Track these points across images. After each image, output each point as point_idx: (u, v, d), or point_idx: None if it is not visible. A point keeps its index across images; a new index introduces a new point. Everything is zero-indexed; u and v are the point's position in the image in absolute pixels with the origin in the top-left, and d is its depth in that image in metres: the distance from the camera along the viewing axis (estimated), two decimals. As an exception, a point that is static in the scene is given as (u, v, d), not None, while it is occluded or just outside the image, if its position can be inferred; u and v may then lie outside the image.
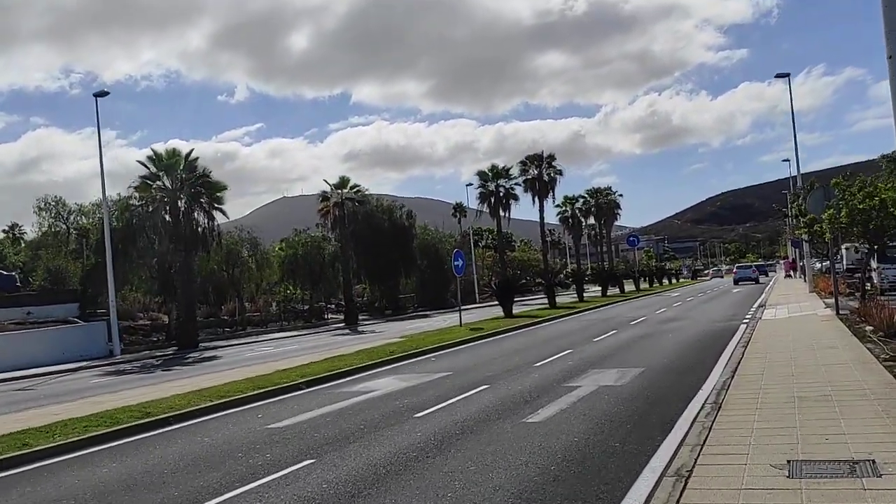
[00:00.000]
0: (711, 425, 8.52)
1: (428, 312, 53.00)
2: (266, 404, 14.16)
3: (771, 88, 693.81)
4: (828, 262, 39.73)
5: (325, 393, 15.10)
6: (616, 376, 14.06)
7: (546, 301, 45.58)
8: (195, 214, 33.54)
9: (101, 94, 32.52)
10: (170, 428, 12.31)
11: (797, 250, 61.05)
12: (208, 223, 33.89)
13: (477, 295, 63.94)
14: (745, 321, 24.37)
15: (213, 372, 21.26)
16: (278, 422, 11.98)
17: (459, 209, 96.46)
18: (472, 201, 69.77)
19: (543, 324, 31.53)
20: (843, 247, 40.01)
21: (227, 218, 36.27)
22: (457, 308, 33.53)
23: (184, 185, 33.28)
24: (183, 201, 33.35)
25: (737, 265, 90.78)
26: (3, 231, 68.58)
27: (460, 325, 31.15)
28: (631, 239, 78.46)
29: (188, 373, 22.27)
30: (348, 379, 17.08)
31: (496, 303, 41.39)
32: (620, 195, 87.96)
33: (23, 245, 52.16)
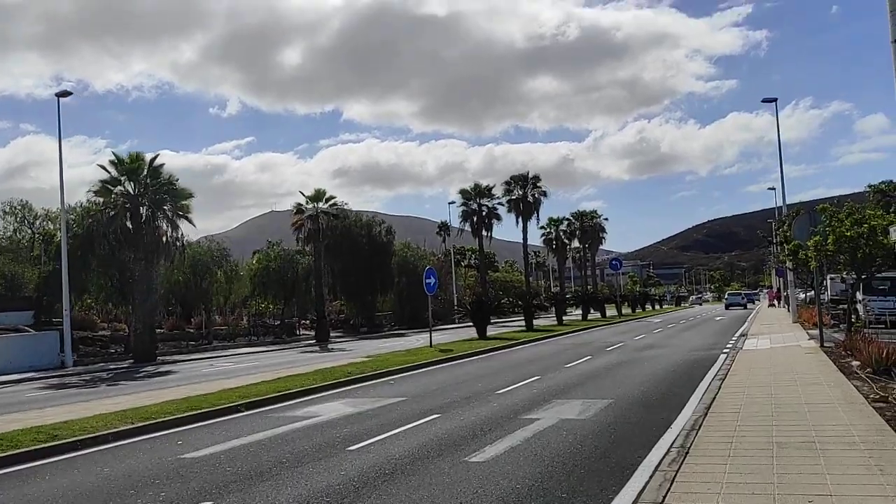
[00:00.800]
0: (674, 476, 7.26)
1: (404, 331, 51.68)
2: (193, 429, 12.81)
3: (758, 119, 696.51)
4: (812, 292, 38.74)
5: (262, 417, 13.76)
6: (580, 408, 12.81)
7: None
8: (158, 222, 32.05)
9: (64, 94, 31.31)
10: (74, 454, 10.94)
11: (781, 279, 60.22)
12: (171, 232, 32.41)
13: (456, 315, 62.60)
14: (725, 351, 23.21)
15: (158, 388, 19.90)
16: (196, 451, 10.64)
17: (444, 228, 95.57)
18: (455, 220, 68.87)
19: (516, 347, 30.26)
20: (827, 276, 39.05)
21: (194, 227, 34.82)
22: (435, 327, 32.30)
23: (147, 191, 31.82)
24: (145, 208, 31.87)
25: (728, 293, 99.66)
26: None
27: (430, 345, 29.85)
28: (613, 263, 77.46)
29: (133, 388, 20.83)
30: (294, 402, 15.74)
31: (473, 323, 40.02)
32: (606, 219, 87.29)
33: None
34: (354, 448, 10.25)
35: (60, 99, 31.24)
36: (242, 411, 14.60)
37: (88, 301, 42.26)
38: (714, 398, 12.49)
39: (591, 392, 15.00)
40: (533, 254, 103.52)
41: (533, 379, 17.76)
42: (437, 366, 23.20)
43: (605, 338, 33.33)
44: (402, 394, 16.20)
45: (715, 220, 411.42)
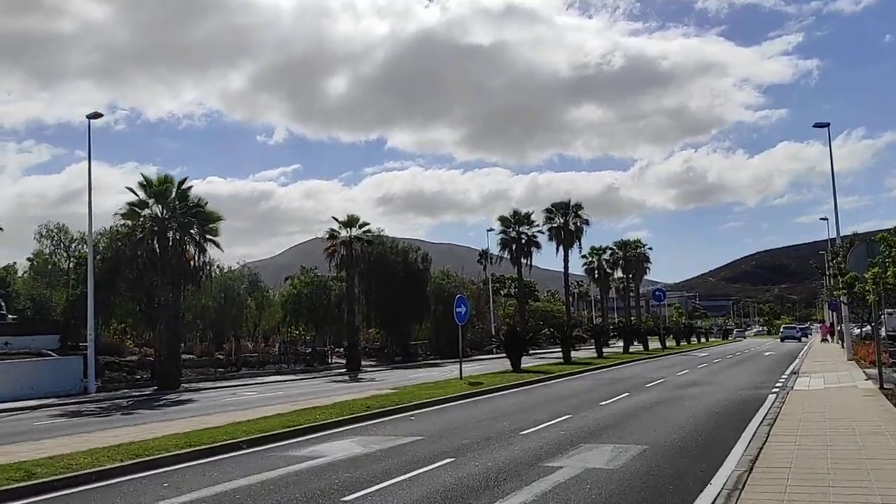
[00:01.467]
0: (711, 556, 5.98)
1: (439, 361, 50.45)
2: (185, 468, 11.81)
3: (809, 149, 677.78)
4: (868, 327, 36.65)
5: (263, 456, 12.71)
6: (610, 456, 11.51)
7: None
8: (186, 246, 31.49)
9: (95, 115, 31.21)
10: (47, 496, 10.03)
11: (835, 313, 57.75)
12: (199, 256, 31.81)
13: (492, 346, 61.26)
14: (774, 390, 21.59)
15: (170, 419, 19.04)
16: (178, 496, 9.65)
17: (485, 256, 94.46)
18: (495, 248, 67.77)
19: (551, 381, 28.85)
20: (885, 311, 36.98)
21: (222, 251, 34.26)
22: (471, 357, 31.02)
23: (175, 213, 31.32)
24: (173, 231, 31.36)
25: (783, 326, 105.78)
26: (28, 259, 67.72)
27: (460, 378, 28.62)
28: (657, 293, 75.29)
29: (144, 419, 20.04)
30: (302, 439, 14.69)
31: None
32: (650, 248, 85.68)
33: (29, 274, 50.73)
34: (350, 498, 9.15)
35: (92, 121, 31.22)
36: (244, 448, 13.60)
37: (121, 326, 42.02)
38: (761, 448, 11.09)
39: (624, 435, 13.67)
40: (575, 283, 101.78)
41: (563, 418, 16.46)
42: (464, 400, 22.00)
43: (646, 373, 31.73)
44: (420, 432, 15.04)
45: (764, 251, 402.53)
